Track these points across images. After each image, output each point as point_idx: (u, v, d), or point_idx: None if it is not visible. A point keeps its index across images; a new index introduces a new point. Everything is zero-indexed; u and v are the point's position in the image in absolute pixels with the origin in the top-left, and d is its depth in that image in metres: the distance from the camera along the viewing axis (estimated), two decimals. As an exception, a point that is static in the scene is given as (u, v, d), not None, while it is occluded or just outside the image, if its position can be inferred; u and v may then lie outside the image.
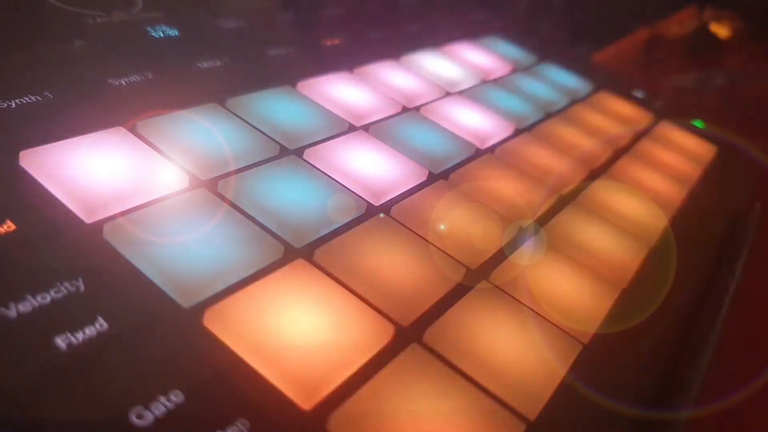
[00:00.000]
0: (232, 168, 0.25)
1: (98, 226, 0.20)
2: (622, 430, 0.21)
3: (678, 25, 0.77)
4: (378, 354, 0.20)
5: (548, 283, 0.25)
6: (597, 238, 0.29)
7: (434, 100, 0.37)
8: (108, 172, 0.22)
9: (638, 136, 0.43)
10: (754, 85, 0.70)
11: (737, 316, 0.29)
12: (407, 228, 0.25)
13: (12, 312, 0.16)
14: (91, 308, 0.17)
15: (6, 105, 0.23)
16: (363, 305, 0.21)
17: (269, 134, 0.28)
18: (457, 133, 0.34)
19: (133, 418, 0.15)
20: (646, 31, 0.76)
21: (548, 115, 0.41)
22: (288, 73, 0.33)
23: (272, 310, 0.19)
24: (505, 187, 0.31)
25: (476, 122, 0.36)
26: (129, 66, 0.28)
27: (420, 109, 0.36)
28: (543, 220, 0.29)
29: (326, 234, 0.24)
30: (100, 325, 0.17)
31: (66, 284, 0.18)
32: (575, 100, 0.45)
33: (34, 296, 0.17)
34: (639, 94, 0.51)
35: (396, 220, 0.26)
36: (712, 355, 0.25)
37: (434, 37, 0.46)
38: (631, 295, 0.27)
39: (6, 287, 0.17)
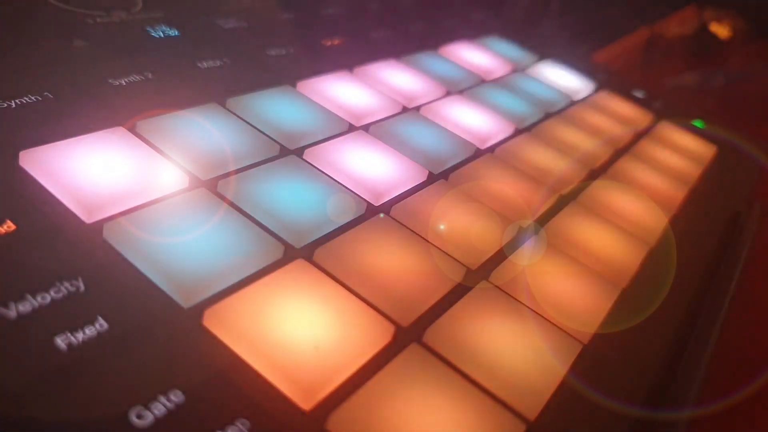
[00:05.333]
0: (232, 168, 0.25)
1: (98, 226, 0.20)
2: (622, 430, 0.21)
3: (678, 25, 0.77)
4: (378, 354, 0.20)
5: (548, 283, 0.25)
6: (597, 238, 0.29)
7: (434, 100, 0.37)
8: (108, 172, 0.22)
9: (638, 136, 0.43)
10: (754, 85, 0.70)
11: (737, 316, 0.29)
12: (407, 228, 0.25)
13: (12, 312, 0.16)
14: (91, 308, 0.17)
15: (6, 105, 0.23)
16: (363, 305, 0.21)
17: (269, 134, 0.28)
18: (457, 133, 0.34)
19: (133, 418, 0.15)
20: (646, 31, 0.76)
21: (548, 115, 0.41)
22: (288, 73, 0.33)
23: (272, 310, 0.19)
24: (505, 187, 0.31)
25: (476, 122, 0.36)
26: (129, 66, 0.28)
27: (420, 109, 0.36)
28: (543, 220, 0.29)
29: (326, 234, 0.24)
30: (100, 325, 0.17)
31: (66, 284, 0.18)
32: (575, 100, 0.45)
33: (34, 296, 0.17)
34: (639, 94, 0.51)
35: (396, 220, 0.26)
36: (712, 355, 0.25)
37: (434, 37, 0.46)
38: (631, 295, 0.27)
39: (6, 287, 0.17)
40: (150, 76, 0.28)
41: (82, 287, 0.18)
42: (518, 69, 0.47)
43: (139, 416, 0.15)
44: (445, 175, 0.30)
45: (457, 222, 0.27)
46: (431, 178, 0.30)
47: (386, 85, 0.36)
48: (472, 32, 0.50)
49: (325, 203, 0.25)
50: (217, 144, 0.26)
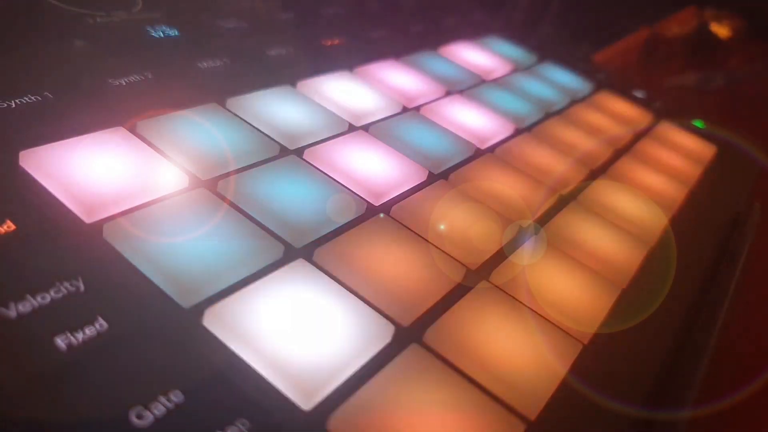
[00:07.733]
0: (232, 168, 0.25)
1: (98, 226, 0.20)
2: (622, 430, 0.21)
3: (678, 25, 0.77)
4: (378, 354, 0.20)
5: (548, 283, 0.25)
6: (597, 238, 0.29)
7: (434, 100, 0.37)
8: (108, 172, 0.22)
9: (638, 136, 0.43)
10: (754, 85, 0.70)
11: (737, 316, 0.29)
12: (407, 228, 0.25)
13: (12, 312, 0.16)
14: (91, 308, 0.17)
15: (6, 105, 0.23)
16: (363, 305, 0.21)
17: (269, 134, 0.28)
18: (457, 133, 0.34)
19: (133, 418, 0.15)
20: (646, 31, 0.76)
21: (548, 115, 0.41)
22: (288, 73, 0.33)
23: (272, 310, 0.19)
24: (505, 187, 0.31)
25: (476, 122, 0.36)
26: (129, 66, 0.28)
27: (420, 109, 0.36)
28: (543, 220, 0.29)
29: (326, 234, 0.24)
30: (100, 325, 0.17)
31: (66, 284, 0.18)
32: (575, 100, 0.45)
33: (34, 296, 0.17)
34: (639, 94, 0.51)
35: (396, 220, 0.26)
36: (712, 355, 0.25)
37: (434, 37, 0.46)
38: (631, 295, 0.27)
39: (6, 287, 0.17)
40: (150, 76, 0.28)
41: (82, 287, 0.18)
42: (518, 69, 0.47)
43: (139, 416, 0.15)
44: (445, 175, 0.30)
45: (457, 222, 0.27)
46: (431, 178, 0.30)
47: (386, 85, 0.36)
48: (472, 32, 0.50)
49: (325, 203, 0.25)
50: (217, 144, 0.26)
